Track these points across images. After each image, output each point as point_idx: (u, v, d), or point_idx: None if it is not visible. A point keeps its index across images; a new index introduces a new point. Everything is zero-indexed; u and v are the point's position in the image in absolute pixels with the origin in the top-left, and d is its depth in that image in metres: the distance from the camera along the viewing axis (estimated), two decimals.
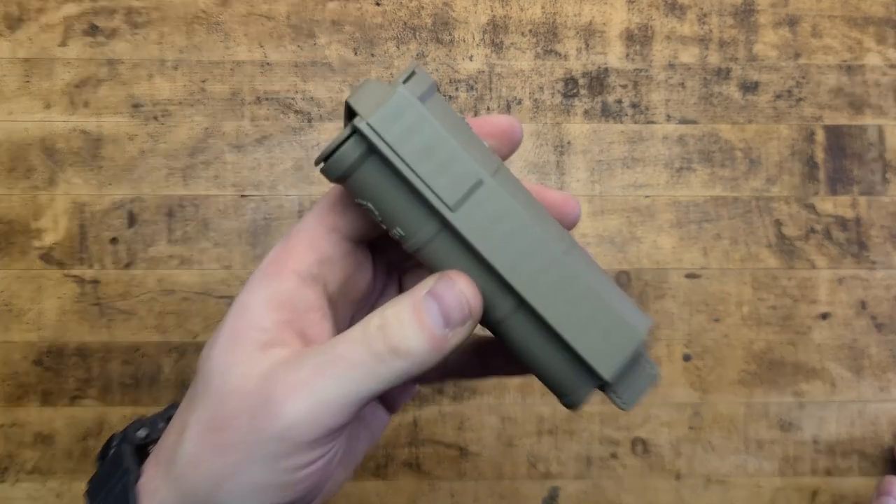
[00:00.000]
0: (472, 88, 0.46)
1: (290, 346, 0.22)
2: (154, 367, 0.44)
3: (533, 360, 0.24)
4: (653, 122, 0.46)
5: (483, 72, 0.46)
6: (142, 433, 0.26)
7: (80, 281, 0.44)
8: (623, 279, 0.46)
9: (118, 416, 0.44)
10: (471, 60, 0.46)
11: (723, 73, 0.47)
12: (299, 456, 0.21)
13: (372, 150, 0.22)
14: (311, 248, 0.23)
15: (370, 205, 0.22)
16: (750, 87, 0.47)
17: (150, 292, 0.45)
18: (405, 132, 0.22)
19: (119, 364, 0.44)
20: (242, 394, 0.21)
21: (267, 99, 0.46)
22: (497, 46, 0.47)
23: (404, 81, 0.22)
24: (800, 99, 0.47)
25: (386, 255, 0.26)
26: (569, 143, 0.46)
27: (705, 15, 0.47)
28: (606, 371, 0.23)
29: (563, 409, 0.45)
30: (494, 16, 0.47)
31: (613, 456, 0.45)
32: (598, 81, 0.47)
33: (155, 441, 0.26)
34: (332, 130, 0.46)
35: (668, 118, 0.47)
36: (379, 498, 0.44)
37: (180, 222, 0.45)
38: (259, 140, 0.45)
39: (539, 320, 0.23)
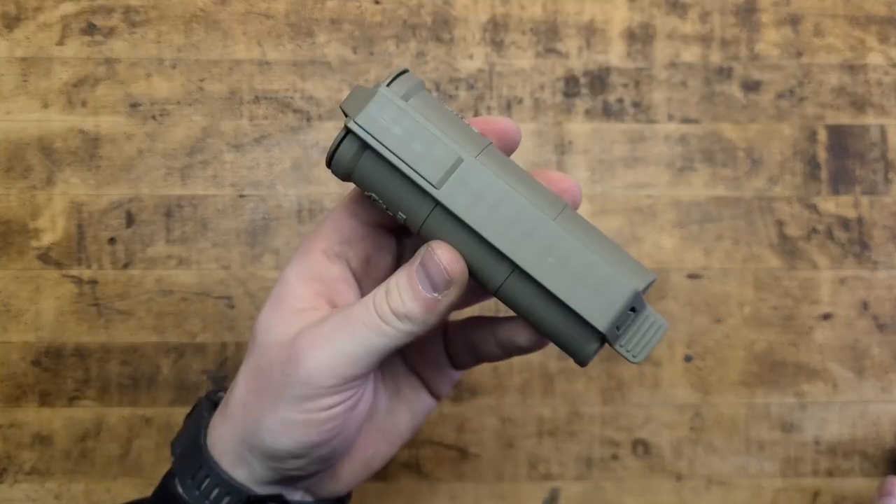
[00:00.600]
0: (472, 87, 0.46)
1: (321, 310, 0.26)
2: (153, 368, 0.44)
3: (538, 322, 0.26)
4: (654, 122, 0.46)
5: (483, 70, 0.46)
6: (220, 394, 0.30)
7: (78, 281, 0.44)
8: None
9: (116, 416, 0.44)
10: (471, 59, 0.46)
11: (725, 73, 0.47)
12: (320, 399, 0.25)
13: (364, 145, 0.25)
14: (334, 231, 0.27)
15: (375, 195, 0.26)
16: (752, 87, 0.47)
17: (148, 293, 0.44)
18: (387, 125, 0.25)
19: (117, 364, 0.44)
20: (279, 347, 0.25)
21: (265, 98, 0.45)
22: (497, 45, 0.46)
23: (389, 83, 0.25)
24: (802, 98, 0.47)
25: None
26: (570, 142, 0.46)
27: (707, 14, 0.47)
28: (600, 322, 0.25)
29: (564, 409, 0.45)
30: (495, 14, 0.46)
31: (614, 457, 0.45)
32: (599, 80, 0.46)
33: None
34: (331, 129, 0.45)
35: (670, 117, 0.46)
36: (378, 499, 0.44)
37: (178, 222, 0.45)
38: (258, 139, 0.45)
39: (533, 282, 0.25)
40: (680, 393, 0.45)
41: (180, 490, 0.27)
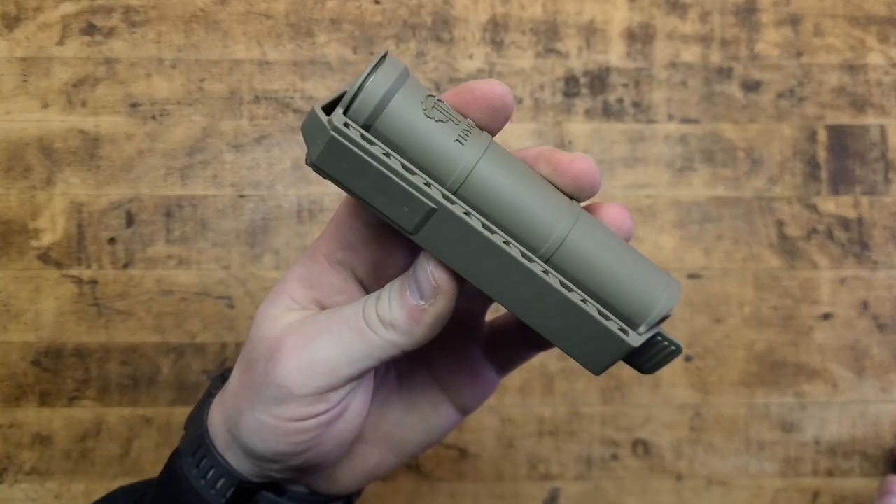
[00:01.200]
0: None
1: (311, 310, 0.25)
2: (152, 368, 0.44)
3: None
4: (654, 122, 0.46)
5: (483, 70, 0.46)
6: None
7: (78, 281, 0.44)
8: None
9: (116, 416, 0.44)
10: (471, 59, 0.46)
11: (725, 73, 0.47)
12: (293, 408, 0.23)
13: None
14: (337, 233, 0.25)
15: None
16: (752, 87, 0.47)
17: (148, 293, 0.44)
18: (348, 172, 0.21)
19: (117, 365, 0.44)
20: (266, 342, 0.24)
21: (265, 98, 0.45)
22: (497, 45, 0.46)
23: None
24: (802, 98, 0.47)
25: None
26: (570, 142, 0.46)
27: (707, 14, 0.47)
28: (594, 369, 0.23)
29: (564, 409, 0.45)
30: (495, 14, 0.46)
31: (614, 457, 0.45)
32: (599, 80, 0.46)
33: None
34: None
35: (670, 117, 0.46)
36: (378, 499, 0.44)
37: (178, 222, 0.45)
38: (258, 139, 0.45)
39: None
40: (680, 393, 0.45)
41: (184, 468, 0.27)
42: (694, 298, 0.46)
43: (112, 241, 0.45)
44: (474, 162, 0.22)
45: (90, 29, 0.45)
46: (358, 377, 0.24)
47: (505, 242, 0.22)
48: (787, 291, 0.46)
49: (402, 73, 0.22)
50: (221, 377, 0.29)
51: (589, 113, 0.46)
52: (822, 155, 0.47)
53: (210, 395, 0.28)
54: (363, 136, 0.21)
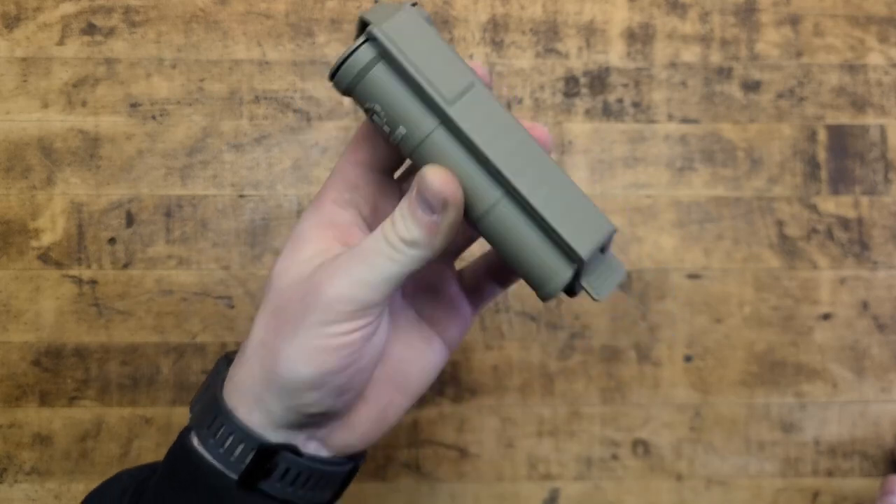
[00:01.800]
0: None
1: (337, 248, 0.27)
2: (152, 368, 0.44)
3: (515, 249, 0.27)
4: (654, 122, 0.46)
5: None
6: (236, 351, 0.31)
7: (78, 281, 0.44)
8: (624, 279, 0.46)
9: (116, 416, 0.44)
10: (471, 59, 0.46)
11: (724, 73, 0.47)
12: (339, 325, 0.26)
13: (383, 54, 0.25)
14: (342, 180, 0.29)
15: (377, 106, 0.26)
16: (752, 87, 0.47)
17: (148, 293, 0.44)
18: (411, 38, 0.26)
19: (117, 365, 0.44)
20: (296, 284, 0.27)
21: (265, 98, 0.45)
22: (497, 45, 0.46)
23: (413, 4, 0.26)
24: (802, 98, 0.47)
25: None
26: (570, 142, 0.46)
27: (707, 14, 0.47)
28: (583, 249, 0.26)
29: (564, 409, 0.45)
30: (494, 14, 0.46)
31: (614, 457, 0.45)
32: (599, 80, 0.46)
33: None
34: (331, 129, 0.45)
35: (670, 117, 0.46)
36: (378, 499, 0.44)
37: (178, 222, 0.45)
38: (257, 139, 0.45)
39: (523, 207, 0.26)
40: (680, 393, 0.45)
41: (195, 442, 0.28)
42: (694, 298, 0.46)
43: (112, 241, 0.45)
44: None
45: (90, 29, 0.45)
46: (393, 291, 0.27)
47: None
48: (787, 291, 0.46)
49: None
50: (226, 358, 0.30)
51: (589, 113, 0.46)
52: (822, 155, 0.47)
53: (217, 374, 0.29)
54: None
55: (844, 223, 0.46)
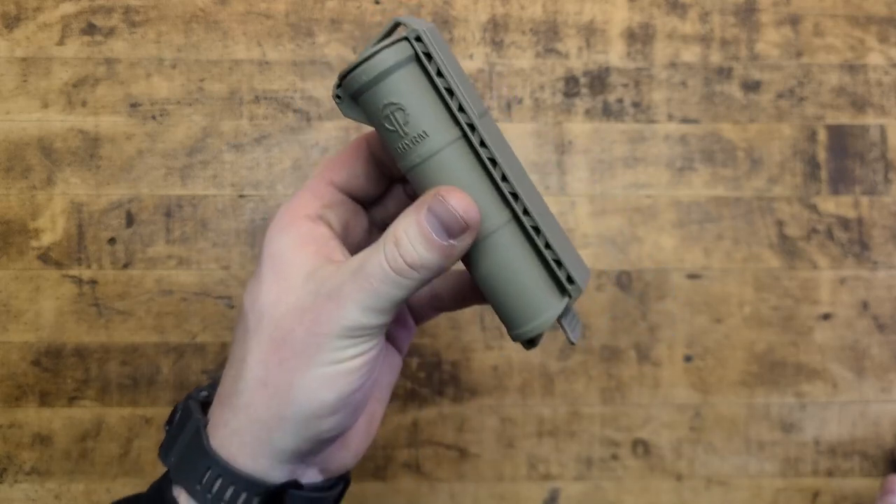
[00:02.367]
0: None
1: (326, 268, 0.26)
2: (152, 368, 0.44)
3: (509, 276, 0.27)
4: (654, 122, 0.46)
5: (483, 70, 0.46)
6: (203, 393, 0.30)
7: (77, 281, 0.44)
8: (624, 279, 0.46)
9: (116, 416, 0.44)
10: (471, 59, 0.46)
11: (724, 73, 0.47)
12: (355, 348, 0.25)
13: (423, 54, 0.25)
14: (314, 198, 0.28)
15: (403, 104, 0.25)
16: (752, 87, 0.47)
17: (148, 293, 0.44)
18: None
19: (117, 365, 0.44)
20: (296, 313, 0.25)
21: (265, 98, 0.45)
22: (497, 45, 0.46)
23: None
24: (802, 98, 0.47)
25: (381, 210, 0.31)
26: (570, 142, 0.46)
27: (707, 14, 0.47)
28: (583, 282, 0.27)
29: (564, 409, 0.45)
30: (495, 14, 0.46)
31: (614, 457, 0.45)
32: (599, 80, 0.46)
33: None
34: (331, 129, 0.45)
35: (670, 117, 0.46)
36: (378, 499, 0.44)
37: (178, 222, 0.45)
38: (257, 139, 0.45)
39: (527, 234, 0.26)
40: (680, 393, 0.45)
41: (183, 498, 0.27)
42: (694, 298, 0.46)
43: (112, 241, 0.45)
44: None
45: (90, 29, 0.45)
46: (401, 307, 0.27)
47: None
48: (787, 291, 0.46)
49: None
50: (194, 400, 0.29)
51: (589, 113, 0.46)
52: (821, 155, 0.47)
53: (190, 420, 0.28)
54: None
55: (844, 223, 0.46)
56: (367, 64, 0.25)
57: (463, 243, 0.25)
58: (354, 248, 0.29)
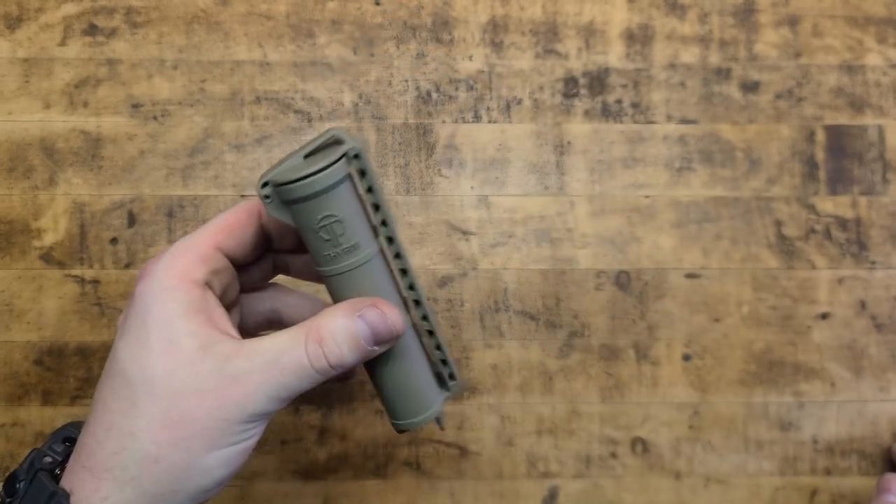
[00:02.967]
0: (471, 88, 0.46)
1: (220, 340, 0.26)
2: None
3: (403, 379, 0.30)
4: (653, 122, 0.46)
5: (483, 71, 0.46)
6: (48, 460, 0.28)
7: (80, 281, 0.44)
8: (623, 279, 0.46)
9: None
10: (471, 60, 0.46)
11: (723, 73, 0.47)
12: (255, 428, 0.26)
13: (358, 172, 0.28)
14: (202, 262, 0.28)
15: (341, 216, 0.27)
16: (750, 87, 0.47)
17: None
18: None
19: None
20: (197, 395, 0.25)
21: (266, 99, 0.46)
22: (497, 46, 0.46)
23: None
24: (800, 99, 0.47)
25: (247, 276, 0.32)
26: (569, 142, 0.46)
27: (706, 14, 0.47)
28: (459, 378, 0.32)
29: (563, 408, 0.45)
30: (494, 15, 0.47)
31: (613, 455, 0.45)
32: (598, 81, 0.47)
33: (60, 464, 0.28)
34: None
35: (669, 118, 0.46)
36: (379, 497, 0.45)
37: (180, 222, 0.45)
38: (259, 140, 0.45)
39: (419, 336, 0.30)
40: (679, 392, 0.46)
41: None
42: (692, 298, 0.46)
43: (114, 241, 0.45)
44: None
45: (92, 30, 0.45)
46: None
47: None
48: (786, 291, 0.46)
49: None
50: (41, 471, 0.27)
51: (588, 114, 0.46)
52: (820, 155, 0.47)
53: (49, 494, 0.26)
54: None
55: (842, 223, 0.47)
56: (312, 179, 0.26)
57: (382, 349, 0.28)
58: (227, 311, 0.29)
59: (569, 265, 0.46)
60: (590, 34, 0.47)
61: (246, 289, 0.32)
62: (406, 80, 0.46)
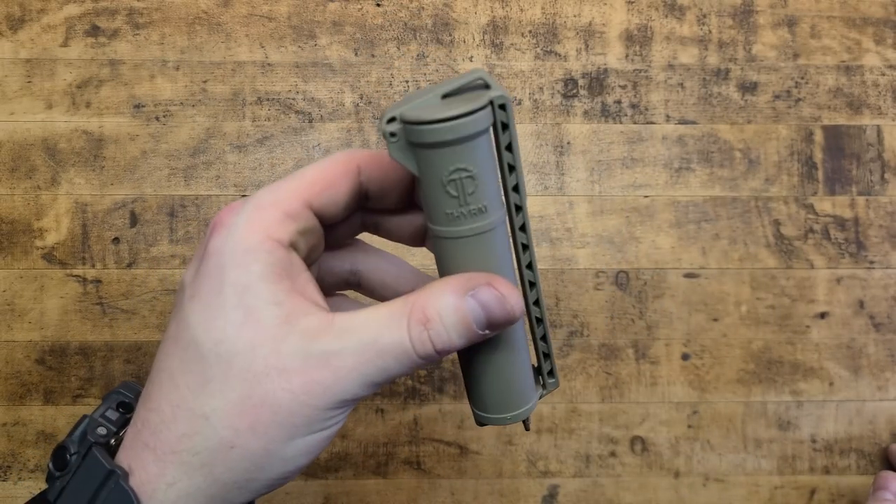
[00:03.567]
0: None
1: (308, 312, 0.23)
2: None
3: (506, 367, 0.26)
4: (652, 123, 0.47)
5: None
6: (101, 431, 0.25)
7: (82, 280, 0.45)
8: (622, 279, 0.46)
9: None
10: (471, 61, 0.46)
11: (722, 74, 0.47)
12: (342, 414, 0.23)
13: (501, 125, 0.23)
14: (290, 219, 0.23)
15: (475, 172, 0.22)
16: (749, 88, 0.47)
17: (151, 292, 0.45)
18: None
19: (121, 363, 0.45)
20: (283, 373, 0.22)
21: (268, 99, 0.46)
22: (497, 47, 0.47)
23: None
24: (798, 99, 0.47)
25: (336, 232, 0.28)
26: (568, 143, 0.46)
27: (704, 16, 0.47)
28: (558, 376, 0.29)
29: (563, 407, 0.46)
30: (494, 16, 0.47)
31: (612, 454, 0.45)
32: (597, 82, 0.47)
33: (115, 435, 0.25)
34: (332, 131, 0.46)
35: (668, 118, 0.47)
36: (379, 496, 0.45)
37: (182, 222, 0.45)
38: (260, 140, 0.46)
39: (530, 322, 0.26)
40: (677, 391, 0.46)
41: None
42: (691, 297, 0.46)
43: (116, 240, 0.45)
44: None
45: (94, 31, 0.46)
46: None
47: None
48: (784, 290, 0.46)
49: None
50: (101, 448, 0.24)
51: (587, 114, 0.47)
52: (818, 155, 0.47)
53: (108, 478, 0.23)
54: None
55: (841, 223, 0.47)
56: (454, 123, 0.22)
57: (493, 334, 0.23)
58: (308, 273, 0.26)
59: (568, 265, 0.46)
60: (589, 35, 0.47)
61: (326, 246, 0.28)
62: (407, 81, 0.46)
